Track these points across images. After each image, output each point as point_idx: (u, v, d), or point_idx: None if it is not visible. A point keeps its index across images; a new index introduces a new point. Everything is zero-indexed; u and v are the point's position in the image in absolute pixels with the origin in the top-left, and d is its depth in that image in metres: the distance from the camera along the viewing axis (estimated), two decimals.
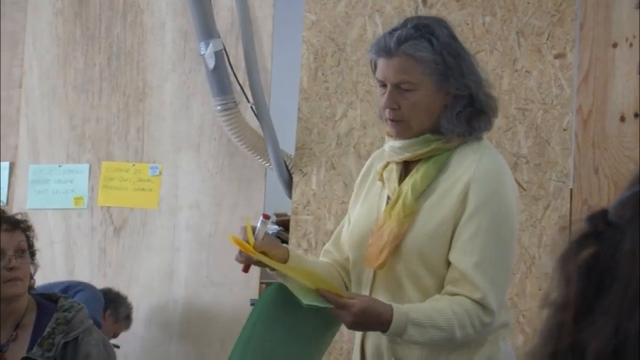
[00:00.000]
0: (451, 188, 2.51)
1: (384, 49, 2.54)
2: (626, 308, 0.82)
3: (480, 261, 2.42)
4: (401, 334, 2.38)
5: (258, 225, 2.56)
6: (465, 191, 2.48)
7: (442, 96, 2.53)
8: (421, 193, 2.53)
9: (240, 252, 2.52)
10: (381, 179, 2.64)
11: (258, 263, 2.55)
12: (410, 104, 2.52)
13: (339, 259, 2.74)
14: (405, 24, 2.57)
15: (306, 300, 2.32)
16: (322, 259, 2.81)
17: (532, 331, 4.02)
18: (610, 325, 0.83)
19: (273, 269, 2.52)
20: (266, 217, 2.59)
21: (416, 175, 2.55)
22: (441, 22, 2.61)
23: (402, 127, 2.55)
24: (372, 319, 2.36)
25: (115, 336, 4.55)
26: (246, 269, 2.58)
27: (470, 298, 2.41)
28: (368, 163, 2.79)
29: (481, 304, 2.41)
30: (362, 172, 2.78)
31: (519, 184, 4.09)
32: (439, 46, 2.51)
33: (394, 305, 2.38)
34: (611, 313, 0.83)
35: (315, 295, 2.36)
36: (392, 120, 2.55)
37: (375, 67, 2.60)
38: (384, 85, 2.55)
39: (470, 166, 2.51)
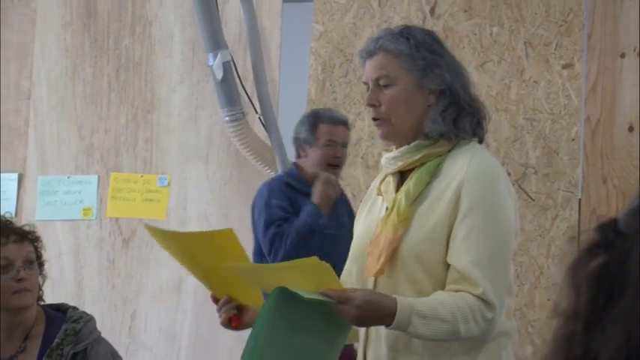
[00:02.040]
0: (444, 191, 2.52)
1: (366, 50, 2.59)
2: (637, 317, 0.82)
3: (476, 258, 2.43)
4: (405, 327, 2.37)
5: None
6: (458, 193, 2.49)
7: (424, 94, 2.55)
8: (415, 199, 2.54)
9: (220, 308, 2.62)
10: (380, 193, 2.66)
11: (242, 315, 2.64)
12: (389, 99, 2.54)
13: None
14: (387, 28, 2.64)
15: (307, 294, 2.31)
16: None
17: (541, 342, 4.01)
18: (621, 334, 0.83)
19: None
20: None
21: (409, 183, 2.56)
22: (425, 30, 2.65)
23: (384, 125, 2.58)
24: (376, 312, 2.36)
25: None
26: (236, 325, 2.68)
27: (471, 294, 2.42)
28: (374, 182, 2.81)
29: (483, 300, 2.41)
30: (368, 191, 2.81)
31: (527, 195, 4.09)
32: (415, 43, 2.54)
33: (398, 297, 2.38)
34: (621, 322, 0.83)
35: (317, 293, 2.37)
36: (374, 119, 2.59)
37: None
38: (368, 88, 2.59)
39: (461, 169, 2.52)
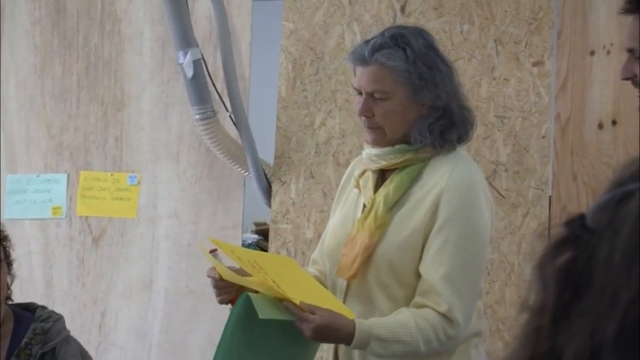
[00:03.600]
0: (423, 199, 2.52)
1: (359, 57, 2.57)
2: (602, 312, 0.82)
3: (447, 273, 2.44)
4: (364, 348, 2.40)
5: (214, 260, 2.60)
6: (437, 203, 2.49)
7: (417, 106, 2.55)
8: (394, 204, 2.54)
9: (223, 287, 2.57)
10: (358, 186, 2.66)
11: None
12: (383, 112, 2.54)
13: (324, 270, 2.75)
14: (382, 33, 2.59)
15: (263, 313, 2.33)
16: (310, 269, 2.82)
17: (511, 339, 4.02)
18: (586, 328, 0.83)
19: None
20: (213, 250, 2.62)
21: (389, 186, 2.56)
22: (419, 32, 2.62)
23: (377, 134, 2.58)
24: (333, 335, 2.39)
25: None
26: (233, 304, 2.62)
27: (436, 311, 2.43)
28: (349, 169, 2.81)
29: (447, 317, 2.43)
30: (343, 179, 2.81)
31: (498, 192, 4.10)
32: (413, 56, 2.52)
33: (357, 320, 2.40)
34: (587, 317, 0.84)
35: (280, 306, 2.38)
36: (368, 127, 2.58)
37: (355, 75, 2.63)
38: (360, 93, 2.58)
39: (442, 178, 2.52)
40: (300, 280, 2.52)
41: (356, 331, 2.37)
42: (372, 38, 2.59)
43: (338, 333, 2.37)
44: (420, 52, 2.54)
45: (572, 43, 4.18)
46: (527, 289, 0.93)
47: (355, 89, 2.61)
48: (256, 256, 2.62)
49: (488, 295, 3.99)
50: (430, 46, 2.59)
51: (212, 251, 2.59)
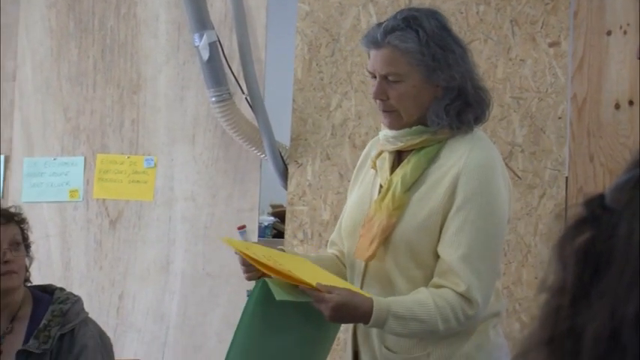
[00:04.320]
0: (441, 180, 2.52)
1: (372, 40, 2.57)
2: (622, 292, 0.82)
3: (465, 254, 2.44)
4: (382, 326, 2.40)
5: (241, 239, 2.61)
6: (455, 183, 2.49)
7: (432, 88, 2.55)
8: (411, 185, 2.54)
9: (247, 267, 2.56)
10: (374, 167, 2.66)
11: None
12: (398, 95, 2.54)
13: (343, 251, 2.76)
14: (395, 16, 2.60)
15: (280, 295, 2.34)
16: (329, 250, 2.83)
17: (528, 319, 4.02)
18: (606, 308, 0.83)
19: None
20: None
21: (406, 167, 2.56)
22: (432, 14, 2.62)
23: (392, 117, 2.58)
24: (351, 313, 2.39)
25: None
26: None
27: (454, 291, 2.43)
28: (366, 150, 2.81)
29: (465, 297, 2.43)
30: (360, 159, 2.81)
31: (514, 173, 4.09)
32: (425, 37, 2.52)
33: (375, 298, 2.40)
34: (607, 296, 0.84)
35: (297, 289, 2.38)
36: (383, 111, 2.59)
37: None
38: (374, 76, 2.58)
39: (460, 158, 2.52)
40: (315, 271, 2.53)
41: (374, 308, 2.37)
42: (385, 21, 2.59)
43: (356, 311, 2.37)
44: (433, 33, 2.54)
45: (588, 23, 4.16)
46: (547, 269, 0.93)
47: (369, 73, 2.62)
48: (271, 252, 2.63)
49: (504, 276, 3.99)
50: (443, 27, 2.59)
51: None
